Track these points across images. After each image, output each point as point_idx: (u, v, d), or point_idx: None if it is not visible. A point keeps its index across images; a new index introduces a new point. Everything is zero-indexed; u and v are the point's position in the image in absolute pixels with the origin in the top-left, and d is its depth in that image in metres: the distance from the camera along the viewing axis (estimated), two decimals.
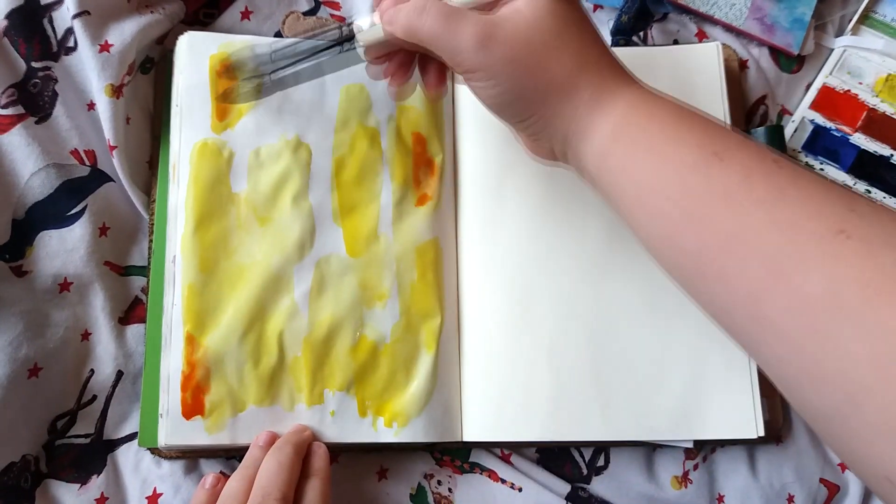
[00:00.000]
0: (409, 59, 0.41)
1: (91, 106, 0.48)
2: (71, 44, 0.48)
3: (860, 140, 0.53)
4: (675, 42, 0.55)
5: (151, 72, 0.51)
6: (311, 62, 0.42)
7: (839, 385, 0.26)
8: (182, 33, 0.48)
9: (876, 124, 0.53)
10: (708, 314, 0.32)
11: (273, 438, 0.43)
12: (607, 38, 0.54)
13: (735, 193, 0.30)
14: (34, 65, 0.48)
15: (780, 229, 0.29)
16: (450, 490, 0.47)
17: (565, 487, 0.47)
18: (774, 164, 0.31)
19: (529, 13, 0.35)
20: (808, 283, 0.27)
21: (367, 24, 0.39)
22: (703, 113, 0.35)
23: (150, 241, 0.48)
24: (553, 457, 0.49)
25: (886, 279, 0.26)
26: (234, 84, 0.44)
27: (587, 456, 0.49)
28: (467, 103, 0.51)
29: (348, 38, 0.40)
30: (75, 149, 0.48)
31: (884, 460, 0.25)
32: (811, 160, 0.53)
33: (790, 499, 0.49)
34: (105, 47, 0.47)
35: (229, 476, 0.42)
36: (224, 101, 0.45)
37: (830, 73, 0.55)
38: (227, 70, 0.45)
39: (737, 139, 0.33)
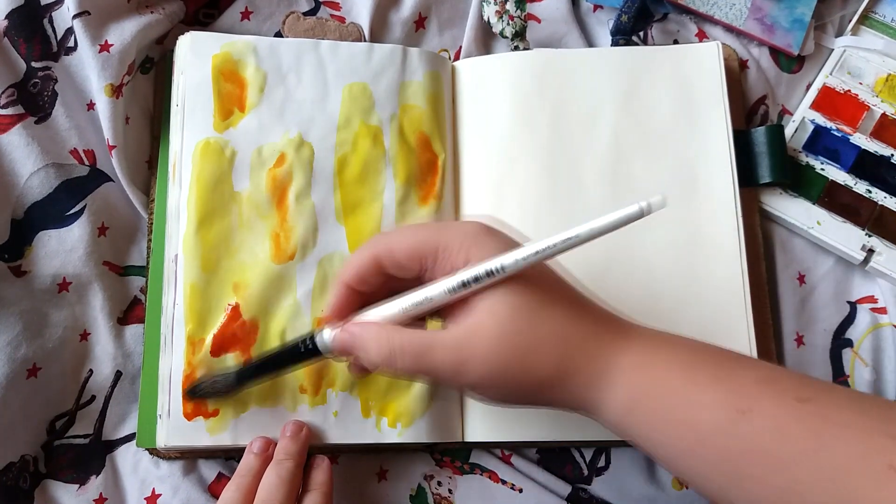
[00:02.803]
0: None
1: (91, 106, 0.48)
2: (71, 44, 0.48)
3: (861, 140, 0.53)
4: (675, 42, 0.55)
5: (151, 72, 0.51)
6: (273, 373, 0.42)
7: None
8: (182, 33, 0.48)
9: (887, 130, 0.53)
10: None
11: (268, 444, 0.42)
12: (607, 39, 0.55)
13: (773, 450, 0.30)
14: (34, 65, 0.48)
15: (831, 479, 0.28)
16: (450, 491, 0.47)
17: (566, 488, 0.47)
18: (800, 403, 0.30)
19: (493, 324, 0.34)
20: None
21: (329, 336, 0.37)
22: (711, 349, 0.34)
23: (149, 240, 0.48)
24: (554, 457, 0.49)
25: None
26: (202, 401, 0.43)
27: (588, 457, 0.49)
28: (469, 103, 0.51)
29: (312, 350, 0.38)
30: (74, 148, 0.47)
31: None
32: (812, 160, 0.53)
33: None
34: (105, 47, 0.47)
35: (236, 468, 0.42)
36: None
37: (830, 74, 0.55)
38: (192, 395, 0.43)
39: (753, 384, 0.32)
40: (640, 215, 0.32)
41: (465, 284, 0.34)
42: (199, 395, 0.42)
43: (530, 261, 0.33)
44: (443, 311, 0.36)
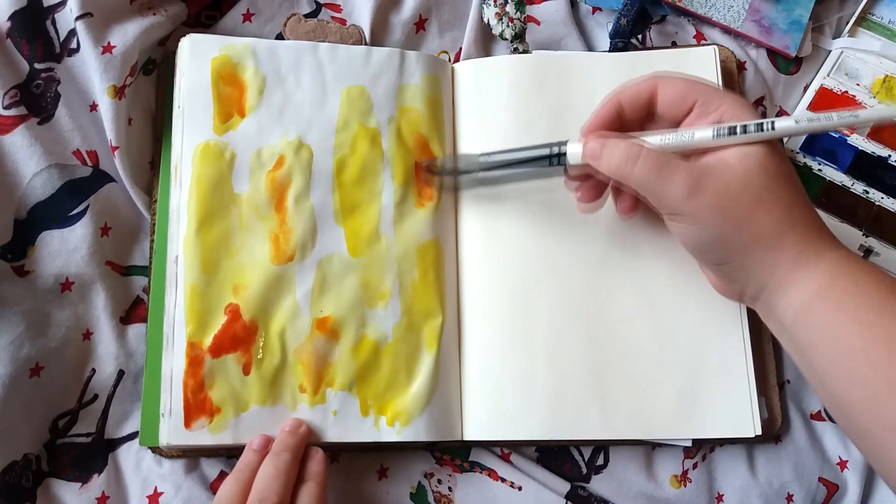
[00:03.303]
0: (603, 186, 0.43)
1: (93, 107, 0.49)
2: (74, 45, 0.48)
3: (858, 141, 0.54)
4: (674, 44, 0.56)
5: (153, 73, 0.51)
6: (516, 171, 0.44)
7: None
8: (184, 35, 0.48)
9: (884, 131, 0.54)
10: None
11: (268, 441, 0.43)
12: (606, 41, 0.55)
13: None
14: (37, 66, 0.48)
15: None
16: (450, 489, 0.47)
17: (565, 486, 0.48)
18: None
19: (741, 168, 0.36)
20: None
21: (577, 149, 0.41)
22: None
23: (152, 241, 0.48)
24: (553, 456, 0.49)
25: None
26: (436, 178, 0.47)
27: (587, 455, 0.49)
28: (469, 105, 0.51)
29: (558, 156, 0.42)
30: (77, 149, 0.48)
31: None
32: (809, 161, 0.53)
33: (789, 498, 0.49)
34: (107, 49, 0.47)
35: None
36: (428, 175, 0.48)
37: (828, 75, 0.55)
38: (429, 169, 0.48)
39: None
40: None
41: (732, 131, 0.37)
42: (436, 172, 0.46)
43: (802, 127, 0.36)
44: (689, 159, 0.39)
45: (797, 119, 0.37)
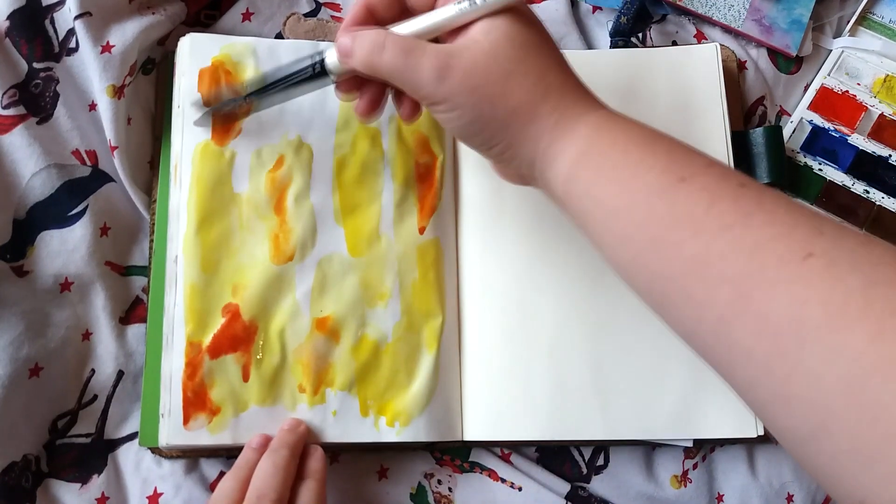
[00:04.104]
0: (379, 93, 0.41)
1: (92, 106, 0.48)
2: (72, 45, 0.48)
3: (858, 140, 0.54)
4: (674, 43, 0.56)
5: (153, 73, 0.51)
6: (284, 93, 0.42)
7: (808, 410, 0.26)
8: (183, 34, 0.48)
9: (884, 130, 0.54)
10: (679, 337, 0.32)
11: (267, 440, 0.43)
12: (606, 40, 0.55)
13: (700, 219, 0.30)
14: (36, 65, 0.48)
15: (745, 253, 0.28)
16: (450, 489, 0.47)
17: (565, 487, 0.48)
18: (741, 187, 0.31)
19: (487, 42, 0.35)
20: (775, 305, 0.27)
21: (334, 56, 0.39)
22: (667, 135, 0.35)
23: (151, 241, 0.48)
24: (553, 456, 0.49)
25: (853, 302, 0.25)
26: (210, 108, 0.45)
27: (587, 455, 0.49)
28: None
29: (320, 72, 0.40)
30: (76, 149, 0.48)
31: (857, 485, 0.25)
32: (810, 160, 0.53)
33: (789, 498, 0.49)
34: (106, 48, 0.47)
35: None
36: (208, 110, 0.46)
37: (829, 74, 0.55)
38: (208, 101, 0.45)
39: (703, 162, 0.32)
40: None
41: (473, 3, 0.35)
42: (213, 110, 0.44)
43: None
44: (441, 41, 0.37)
45: None
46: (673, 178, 0.32)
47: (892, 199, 0.52)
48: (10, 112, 0.46)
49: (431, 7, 0.38)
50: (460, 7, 0.36)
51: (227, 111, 0.44)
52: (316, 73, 0.40)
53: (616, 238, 0.33)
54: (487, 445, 0.48)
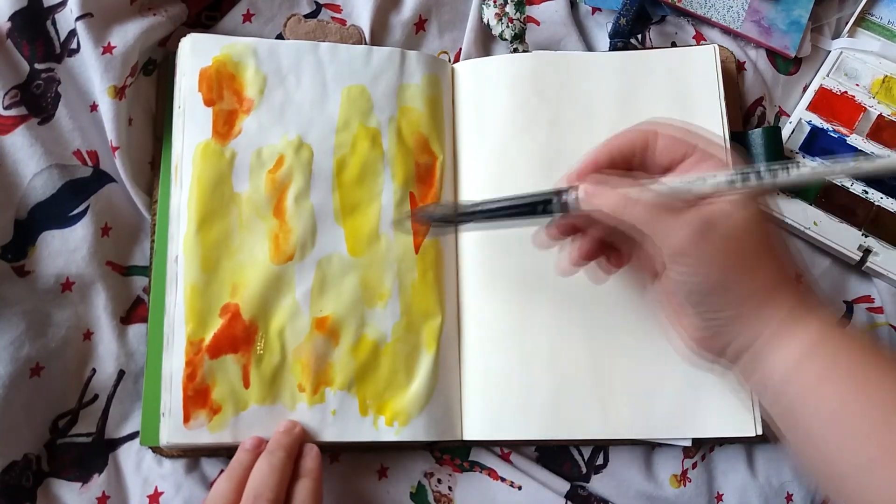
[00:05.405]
0: (597, 246, 0.42)
1: (94, 107, 0.49)
2: (74, 45, 0.48)
3: (857, 141, 0.54)
4: (673, 44, 0.56)
5: (154, 73, 0.51)
6: (502, 220, 0.42)
7: None
8: (184, 35, 0.48)
9: (883, 131, 0.54)
10: None
11: (259, 442, 0.43)
12: (605, 41, 0.55)
13: None
14: (37, 66, 0.48)
15: None
16: (450, 489, 0.47)
17: (564, 486, 0.48)
18: None
19: (741, 219, 0.36)
20: None
21: (571, 197, 0.39)
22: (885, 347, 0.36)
23: (152, 241, 0.48)
24: (552, 455, 0.49)
25: None
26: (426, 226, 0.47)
27: (586, 454, 0.49)
28: (468, 105, 0.51)
29: (548, 208, 0.40)
30: (78, 149, 0.48)
31: None
32: (809, 161, 0.53)
33: (789, 497, 0.49)
34: (108, 49, 0.47)
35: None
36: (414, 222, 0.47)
37: (827, 75, 0.55)
38: (419, 218, 0.47)
39: None
40: None
41: (746, 177, 0.35)
42: (425, 217, 0.45)
43: (805, 178, 0.35)
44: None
45: (813, 165, 0.35)
46: (874, 454, 0.32)
47: (891, 199, 0.52)
48: (12, 113, 0.47)
49: (671, 167, 0.38)
50: (728, 179, 0.36)
51: (436, 221, 0.45)
52: (545, 208, 0.40)
53: (842, 439, 0.34)
54: (487, 445, 0.48)
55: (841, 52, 0.56)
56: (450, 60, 0.54)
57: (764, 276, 0.36)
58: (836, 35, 0.57)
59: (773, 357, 0.36)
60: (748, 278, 0.36)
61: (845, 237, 0.52)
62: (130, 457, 0.46)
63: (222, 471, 0.46)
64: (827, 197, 0.53)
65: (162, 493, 0.45)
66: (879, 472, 0.32)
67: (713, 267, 0.36)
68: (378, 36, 0.53)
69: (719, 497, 0.49)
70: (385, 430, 0.45)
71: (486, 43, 0.55)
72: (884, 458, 0.32)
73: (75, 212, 0.47)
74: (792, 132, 0.54)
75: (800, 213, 0.52)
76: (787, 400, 0.36)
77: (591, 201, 0.38)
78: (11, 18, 0.48)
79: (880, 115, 0.54)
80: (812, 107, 0.55)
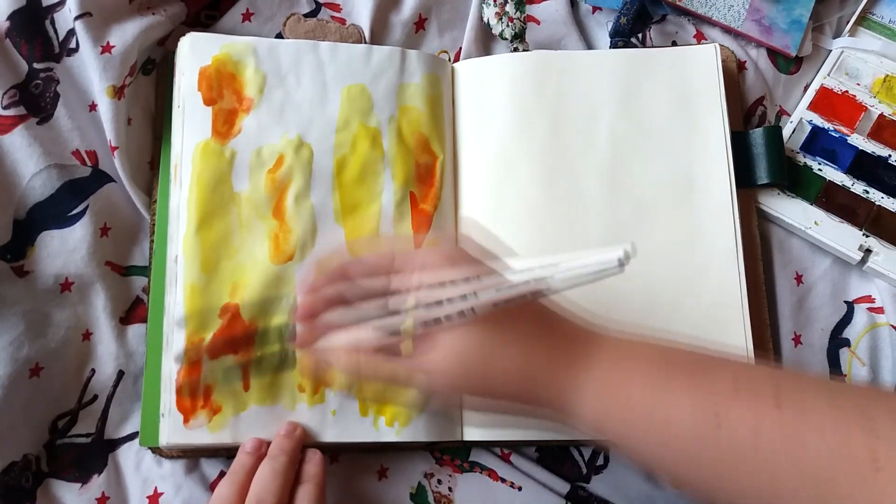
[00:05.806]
0: None
1: (93, 107, 0.49)
2: (73, 45, 0.48)
3: (858, 141, 0.54)
4: (674, 43, 0.56)
5: (153, 73, 0.51)
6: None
7: None
8: (183, 35, 0.48)
9: (884, 130, 0.54)
10: None
11: (260, 444, 0.43)
12: (606, 41, 0.55)
13: (751, 455, 0.30)
14: (36, 66, 0.48)
15: (813, 479, 0.29)
16: (450, 489, 0.47)
17: (565, 486, 0.48)
18: (777, 410, 0.31)
19: (456, 361, 0.36)
20: None
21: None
22: (684, 351, 0.35)
23: (152, 241, 0.48)
24: (553, 456, 0.49)
25: None
26: None
27: (586, 455, 0.49)
28: (468, 104, 0.51)
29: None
30: (77, 149, 0.48)
31: None
32: (809, 160, 0.53)
33: None
34: (107, 48, 0.47)
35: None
36: None
37: (828, 75, 0.55)
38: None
39: (730, 391, 0.32)
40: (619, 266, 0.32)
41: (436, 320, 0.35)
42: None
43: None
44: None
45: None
46: (709, 418, 0.32)
47: (891, 199, 0.52)
48: (11, 112, 0.47)
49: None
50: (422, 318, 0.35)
51: None
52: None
53: (675, 472, 0.35)
54: (487, 445, 0.48)
55: (842, 52, 0.56)
56: (450, 60, 0.54)
57: (509, 388, 0.36)
58: (837, 34, 0.57)
59: (576, 415, 0.36)
60: (499, 395, 0.36)
61: (846, 237, 0.52)
62: (130, 457, 0.46)
63: (222, 472, 0.46)
64: (827, 196, 0.53)
65: (161, 494, 0.45)
66: (717, 490, 0.32)
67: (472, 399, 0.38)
68: (378, 35, 0.53)
69: None
70: (385, 431, 0.45)
71: (486, 42, 0.55)
72: (714, 479, 0.32)
73: (74, 212, 0.47)
74: (793, 132, 0.54)
75: (800, 213, 0.52)
76: (611, 437, 0.36)
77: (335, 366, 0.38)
78: (10, 18, 0.48)
79: (881, 115, 0.54)
80: (813, 106, 0.55)
